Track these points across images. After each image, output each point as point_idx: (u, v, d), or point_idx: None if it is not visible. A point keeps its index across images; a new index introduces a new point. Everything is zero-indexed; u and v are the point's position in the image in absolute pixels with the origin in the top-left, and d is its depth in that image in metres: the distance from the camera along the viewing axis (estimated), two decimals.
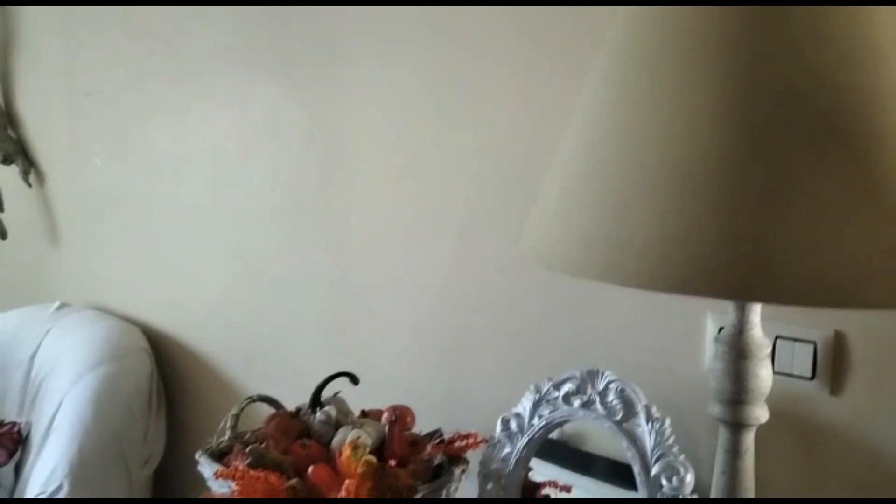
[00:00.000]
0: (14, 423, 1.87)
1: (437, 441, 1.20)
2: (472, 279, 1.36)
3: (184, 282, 1.88)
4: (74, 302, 2.09)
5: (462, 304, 1.38)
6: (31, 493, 1.69)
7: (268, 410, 1.29)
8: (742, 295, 0.57)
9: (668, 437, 0.97)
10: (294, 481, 1.05)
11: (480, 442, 1.17)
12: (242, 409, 1.28)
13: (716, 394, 0.80)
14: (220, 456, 1.21)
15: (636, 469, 0.99)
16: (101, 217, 2.06)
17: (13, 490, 1.83)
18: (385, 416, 1.23)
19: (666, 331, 1.14)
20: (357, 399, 1.30)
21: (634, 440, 1.00)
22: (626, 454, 1.00)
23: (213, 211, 1.77)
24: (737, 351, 0.77)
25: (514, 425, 1.12)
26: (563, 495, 1.15)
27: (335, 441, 1.18)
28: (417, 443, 1.18)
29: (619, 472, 1.08)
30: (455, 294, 1.39)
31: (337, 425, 1.22)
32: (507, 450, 1.12)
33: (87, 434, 1.70)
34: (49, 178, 2.19)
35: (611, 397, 1.03)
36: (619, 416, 1.02)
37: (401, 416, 1.20)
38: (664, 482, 0.95)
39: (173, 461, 1.87)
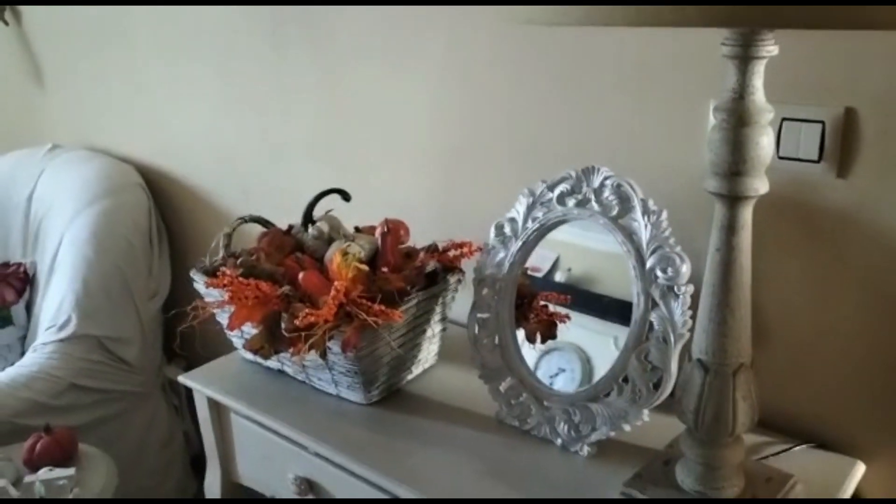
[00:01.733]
0: (20, 264, 1.88)
1: (432, 251, 1.18)
2: (462, 86, 1.29)
3: (172, 115, 1.83)
4: (66, 143, 2.04)
5: (454, 114, 1.32)
6: (42, 329, 1.73)
7: (261, 232, 1.27)
8: (744, 19, 0.50)
9: (665, 230, 0.94)
10: (286, 288, 1.04)
11: (475, 250, 1.15)
12: (234, 229, 1.26)
13: (712, 166, 0.75)
14: (214, 274, 1.20)
15: (630, 264, 0.96)
16: (84, 53, 1.98)
17: (27, 327, 1.87)
18: (378, 229, 1.20)
19: (665, 125, 1.09)
20: (351, 219, 1.27)
21: (630, 234, 0.97)
22: (621, 250, 0.97)
23: (192, 33, 1.68)
24: (736, 117, 0.72)
25: (507, 230, 1.09)
26: (560, 308, 1.13)
27: (328, 254, 1.16)
28: (412, 254, 1.17)
29: (625, 312, 1.05)
30: (446, 105, 1.32)
31: (329, 241, 1.21)
32: (501, 255, 1.09)
33: (89, 268, 1.71)
34: (25, 14, 2.08)
35: (606, 193, 0.99)
36: (614, 212, 0.98)
37: (393, 228, 1.17)
38: (659, 273, 0.93)
39: (180, 296, 1.89)
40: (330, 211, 1.28)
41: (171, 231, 1.94)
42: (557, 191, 1.04)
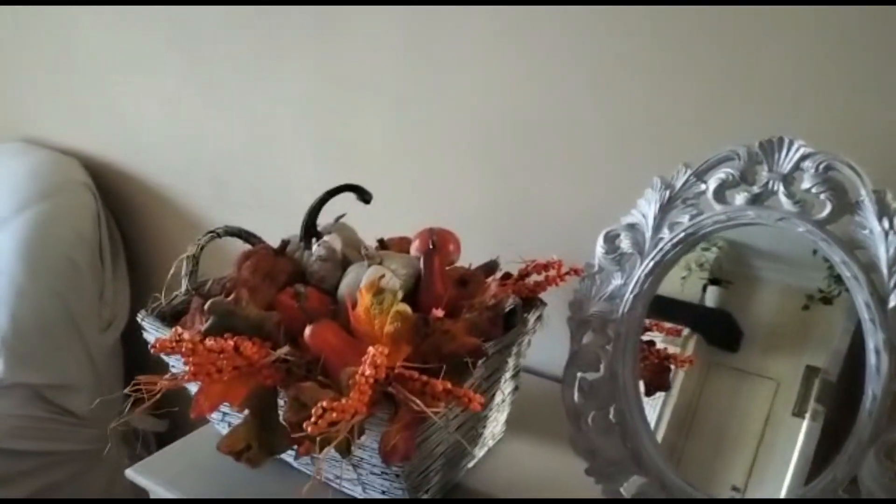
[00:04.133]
0: None
1: (503, 277, 0.79)
2: (529, 23, 0.90)
3: (125, 94, 1.41)
4: None
5: (515, 52, 0.92)
6: None
7: (242, 249, 0.87)
8: None
9: None
10: (283, 350, 0.64)
11: (570, 272, 0.76)
12: (202, 249, 0.87)
13: None
14: (176, 317, 0.81)
15: (860, 299, 0.58)
16: (17, 22, 1.55)
17: None
18: (415, 244, 0.82)
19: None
20: (370, 230, 0.88)
21: (852, 250, 0.58)
22: (843, 273, 0.59)
23: None
24: None
25: (625, 243, 0.70)
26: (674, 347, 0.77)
27: (344, 285, 0.78)
28: (469, 281, 0.78)
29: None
30: (499, 53, 0.93)
31: (344, 263, 0.82)
32: (616, 282, 0.70)
33: (19, 296, 1.30)
34: None
35: (807, 183, 0.60)
36: (823, 214, 0.60)
37: (440, 241, 0.78)
38: None
39: None
40: (341, 218, 0.89)
41: (130, 241, 1.53)
42: (714, 180, 0.65)
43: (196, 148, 1.33)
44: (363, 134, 1.09)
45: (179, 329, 0.63)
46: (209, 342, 0.61)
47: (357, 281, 0.75)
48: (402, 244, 0.85)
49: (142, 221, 1.51)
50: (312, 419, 0.52)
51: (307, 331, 0.64)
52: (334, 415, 0.53)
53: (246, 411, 0.66)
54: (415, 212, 0.91)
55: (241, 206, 1.28)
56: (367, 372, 0.54)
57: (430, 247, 0.76)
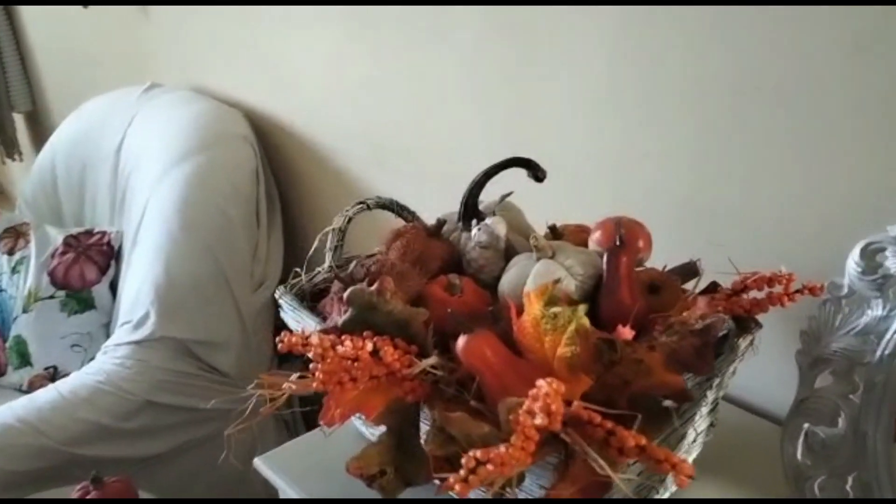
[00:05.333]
0: (104, 233, 1.50)
1: (707, 288, 0.62)
2: None
3: (289, 49, 1.34)
4: (167, 81, 1.63)
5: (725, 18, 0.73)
6: (121, 320, 1.34)
7: (396, 225, 0.76)
8: None
9: None
10: (429, 362, 0.52)
11: (802, 290, 0.58)
12: (350, 221, 0.76)
13: None
14: (316, 297, 0.72)
15: None
16: None
17: (111, 312, 1.50)
18: (595, 236, 0.66)
19: None
20: (541, 214, 0.74)
21: None
22: None
23: None
24: None
25: (893, 262, 0.51)
26: None
27: (506, 281, 0.64)
28: (662, 287, 0.62)
29: None
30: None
31: (508, 252, 0.68)
32: (874, 312, 0.52)
33: (174, 248, 1.28)
34: None
35: None
36: None
37: (629, 235, 0.63)
38: None
39: None
40: (507, 196, 0.75)
41: (287, 200, 1.49)
42: None
43: (356, 107, 1.24)
44: (540, 99, 0.94)
45: (309, 331, 0.52)
46: (342, 348, 0.50)
47: (522, 277, 0.62)
48: (578, 234, 0.71)
49: (300, 181, 1.46)
50: (462, 473, 0.40)
51: (460, 343, 0.51)
52: (490, 468, 0.40)
53: (381, 427, 0.55)
54: (598, 194, 0.75)
55: (398, 174, 1.18)
56: (539, 421, 0.41)
57: (617, 243, 0.61)
